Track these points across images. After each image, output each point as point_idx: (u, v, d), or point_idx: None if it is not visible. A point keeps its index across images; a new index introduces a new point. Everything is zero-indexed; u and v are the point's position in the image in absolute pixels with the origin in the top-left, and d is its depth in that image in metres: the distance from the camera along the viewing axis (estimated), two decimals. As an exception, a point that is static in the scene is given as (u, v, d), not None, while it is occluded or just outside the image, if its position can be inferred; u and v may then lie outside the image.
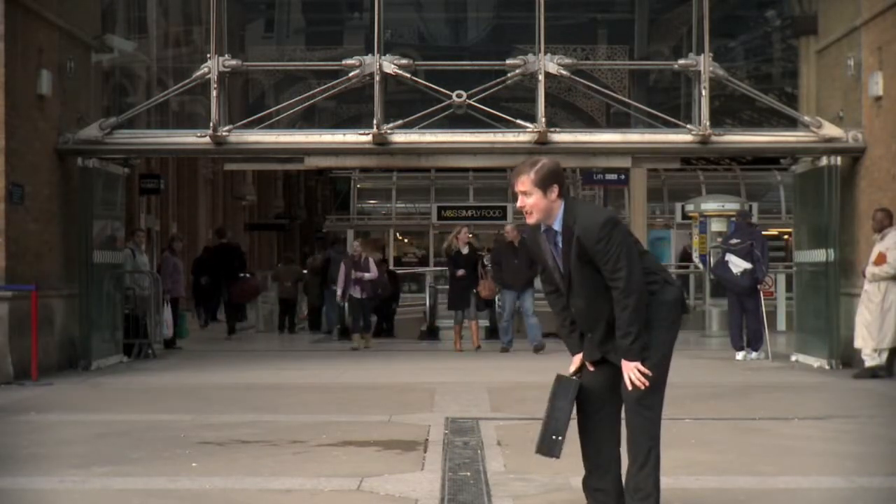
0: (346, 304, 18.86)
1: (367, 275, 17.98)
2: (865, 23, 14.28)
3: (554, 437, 5.44)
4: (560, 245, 5.40)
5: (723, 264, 15.73)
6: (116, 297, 15.63)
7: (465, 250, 17.73)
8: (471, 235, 18.95)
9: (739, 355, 15.48)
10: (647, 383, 5.26)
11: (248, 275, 23.81)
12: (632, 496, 5.39)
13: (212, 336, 21.82)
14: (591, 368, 5.52)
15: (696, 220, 22.09)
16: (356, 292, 17.98)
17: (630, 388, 5.31)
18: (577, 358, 5.60)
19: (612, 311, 5.32)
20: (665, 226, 30.87)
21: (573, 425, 5.53)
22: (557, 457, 5.48)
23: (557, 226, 5.40)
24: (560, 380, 5.53)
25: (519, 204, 5.45)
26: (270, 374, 14.09)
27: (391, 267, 25.55)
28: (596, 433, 5.50)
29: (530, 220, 5.45)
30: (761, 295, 15.63)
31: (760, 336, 15.54)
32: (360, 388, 12.55)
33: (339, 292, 18.41)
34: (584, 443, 5.54)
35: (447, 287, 18.77)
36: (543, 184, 5.34)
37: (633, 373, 5.29)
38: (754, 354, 15.49)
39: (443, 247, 20.04)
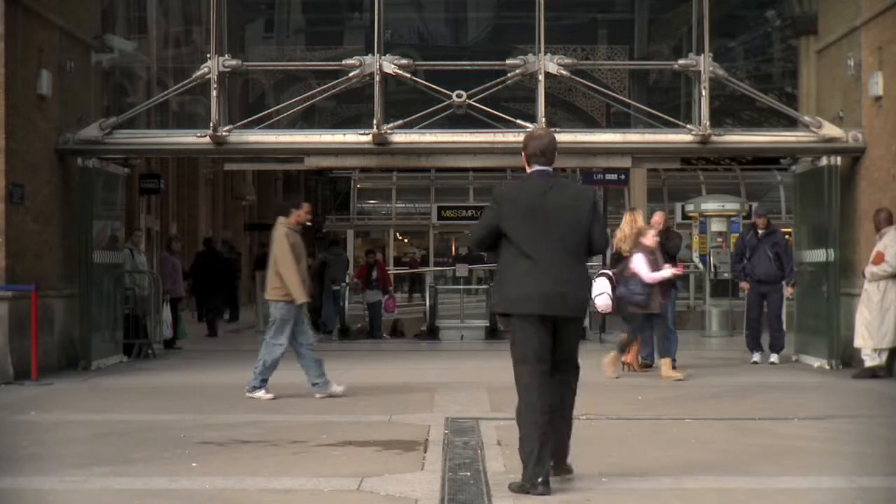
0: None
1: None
2: (865, 23, 14.28)
3: None
4: None
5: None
6: (116, 297, 15.62)
7: None
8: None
9: (756, 356, 15.10)
10: None
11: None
12: None
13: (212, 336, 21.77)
14: None
15: (696, 221, 22.12)
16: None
17: None
18: None
19: None
20: (665, 226, 30.79)
21: None
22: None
23: None
24: None
25: None
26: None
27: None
28: None
29: None
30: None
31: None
32: (360, 388, 12.52)
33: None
34: None
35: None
36: None
37: None
38: (775, 357, 15.07)
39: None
